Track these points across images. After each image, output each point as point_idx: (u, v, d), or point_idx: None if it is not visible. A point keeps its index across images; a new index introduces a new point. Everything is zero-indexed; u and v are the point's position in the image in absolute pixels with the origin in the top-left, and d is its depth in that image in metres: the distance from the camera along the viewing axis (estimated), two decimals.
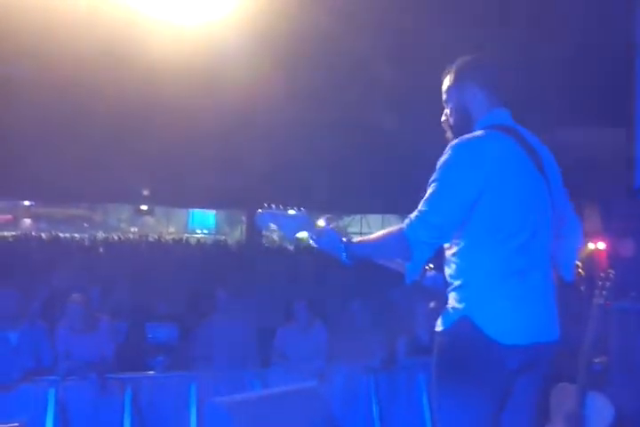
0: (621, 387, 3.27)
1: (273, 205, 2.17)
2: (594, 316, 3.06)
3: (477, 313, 1.88)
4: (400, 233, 1.89)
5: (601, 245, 6.76)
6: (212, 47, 5.69)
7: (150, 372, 4.16)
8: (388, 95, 6.68)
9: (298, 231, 2.15)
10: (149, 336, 4.54)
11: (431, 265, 2.11)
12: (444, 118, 2.12)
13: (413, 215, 1.89)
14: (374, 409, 4.25)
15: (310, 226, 2.11)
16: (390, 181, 11.12)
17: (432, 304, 2.06)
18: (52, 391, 3.79)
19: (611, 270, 3.15)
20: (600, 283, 3.06)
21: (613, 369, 3.29)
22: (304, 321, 4.55)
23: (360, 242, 2.02)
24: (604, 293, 3.04)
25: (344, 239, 2.01)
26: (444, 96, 2.13)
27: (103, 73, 6.41)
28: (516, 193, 1.91)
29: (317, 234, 2.07)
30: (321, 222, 2.08)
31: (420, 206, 1.90)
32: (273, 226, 2.18)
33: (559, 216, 2.05)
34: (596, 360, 3.13)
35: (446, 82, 2.12)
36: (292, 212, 2.16)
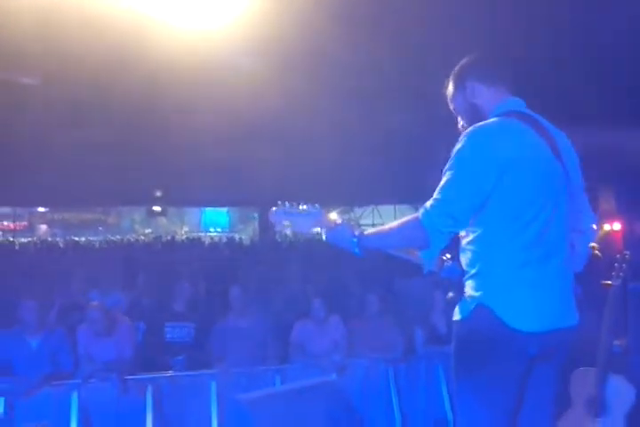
0: None
1: (286, 203, 2.19)
2: (611, 298, 3.02)
3: (495, 301, 1.87)
4: (416, 222, 1.89)
5: (616, 226, 6.69)
6: (223, 51, 5.71)
7: (170, 372, 4.18)
8: (398, 90, 6.65)
9: (312, 227, 2.18)
10: (167, 336, 4.57)
11: (448, 255, 2.09)
12: (460, 125, 2.11)
13: (429, 204, 1.88)
14: (394, 400, 4.25)
15: (323, 221, 2.13)
16: (401, 171, 11.08)
17: (450, 294, 2.04)
18: (74, 395, 3.83)
19: (627, 252, 3.11)
20: (616, 264, 3.02)
21: (632, 351, 3.25)
22: (321, 316, 4.56)
23: (374, 233, 2.03)
24: (620, 274, 3.00)
25: (356, 233, 2.02)
26: (452, 105, 2.14)
27: (112, 76, 6.43)
28: (533, 179, 1.88)
29: (330, 229, 2.09)
30: (333, 216, 2.11)
31: (435, 195, 1.89)
32: (286, 223, 2.20)
33: (576, 208, 2.02)
34: (616, 343, 3.10)
35: (449, 91, 2.13)
36: (304, 208, 2.17)
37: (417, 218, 1.89)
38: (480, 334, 1.89)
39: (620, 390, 2.98)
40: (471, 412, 1.95)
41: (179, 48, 5.47)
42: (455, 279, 2.02)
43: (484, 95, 2.04)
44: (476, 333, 1.90)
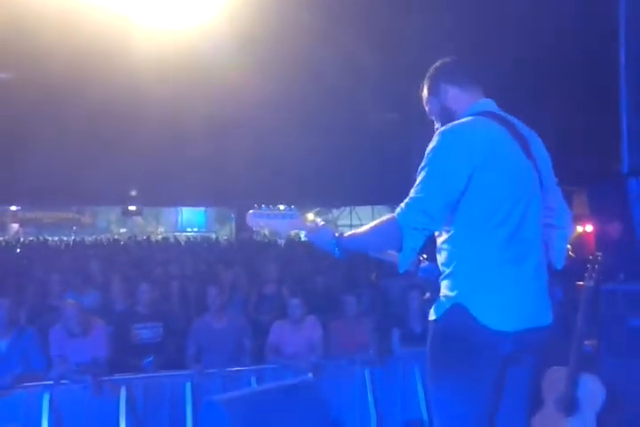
0: (611, 368, 3.30)
1: (263, 205, 2.21)
2: (584, 299, 3.07)
3: (470, 300, 1.89)
4: (391, 221, 1.91)
5: (589, 228, 6.82)
6: (199, 49, 5.69)
7: (143, 373, 4.13)
8: (375, 90, 6.69)
9: (289, 229, 2.21)
10: (137, 338, 4.51)
11: (425, 256, 2.11)
12: (435, 127, 2.13)
13: (404, 202, 1.90)
14: (370, 401, 4.26)
15: (301, 223, 2.17)
16: (379, 172, 11.13)
17: (427, 295, 2.05)
18: (46, 396, 3.76)
19: (599, 253, 3.17)
20: (589, 265, 3.07)
21: (603, 351, 3.32)
22: (298, 316, 4.54)
23: (352, 235, 2.04)
24: (593, 275, 3.06)
25: (336, 234, 2.05)
26: (427, 108, 2.17)
27: (88, 74, 6.37)
28: (504, 178, 1.90)
29: (310, 231, 2.11)
30: (311, 217, 2.12)
31: (410, 193, 1.91)
32: (264, 225, 2.22)
33: (549, 203, 2.06)
34: (587, 343, 3.15)
35: (424, 93, 2.16)
36: (282, 208, 2.20)
37: (392, 217, 1.91)
38: (455, 333, 1.91)
39: (590, 390, 3.03)
40: (446, 410, 1.97)
41: (156, 47, 5.44)
42: (432, 280, 2.03)
43: (457, 97, 2.08)
44: (452, 332, 1.92)
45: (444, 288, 1.95)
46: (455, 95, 2.08)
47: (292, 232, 2.27)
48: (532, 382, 2.10)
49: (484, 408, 1.94)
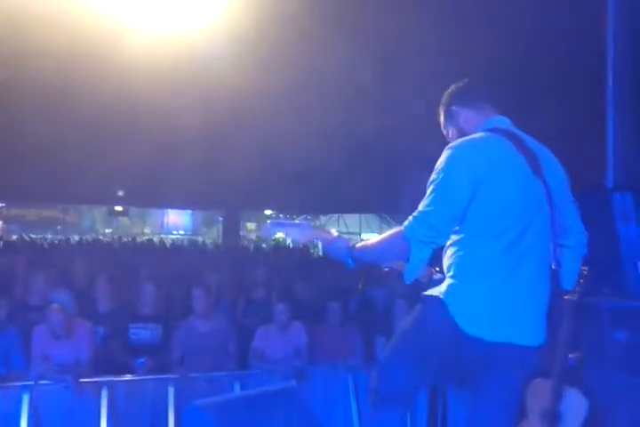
0: (594, 382, 3.33)
1: (281, 216, 2.37)
2: (568, 312, 3.10)
3: (452, 300, 1.96)
4: (399, 233, 1.97)
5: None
6: (190, 52, 5.70)
7: (127, 375, 4.10)
8: (366, 98, 6.73)
9: (305, 238, 2.39)
10: (132, 338, 4.49)
11: (437, 268, 2.20)
12: None
13: (412, 216, 1.97)
14: (353, 407, 4.26)
15: (315, 233, 2.32)
16: (366, 181, 11.17)
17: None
18: (25, 397, 3.71)
19: (584, 267, 3.20)
20: None
21: (587, 365, 3.35)
22: (283, 322, 4.54)
23: (363, 246, 2.12)
24: (577, 289, 3.09)
25: (350, 244, 2.13)
26: (445, 133, 2.25)
27: (78, 76, 6.35)
28: (505, 194, 1.95)
29: (325, 241, 2.21)
30: (333, 231, 2.27)
31: (419, 207, 1.98)
32: (280, 234, 2.41)
33: (561, 223, 2.08)
34: (571, 356, 3.18)
35: (441, 120, 2.24)
36: (297, 221, 2.41)
37: (400, 230, 1.98)
38: (431, 322, 2.03)
39: (573, 403, 3.06)
40: (390, 365, 2.15)
41: (147, 50, 5.44)
42: None
43: (470, 118, 2.16)
44: (428, 320, 2.04)
45: (444, 284, 2.03)
46: (468, 117, 2.16)
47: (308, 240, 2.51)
48: (509, 396, 2.10)
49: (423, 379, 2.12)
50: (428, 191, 1.97)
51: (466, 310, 1.94)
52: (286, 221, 2.42)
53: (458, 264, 2.00)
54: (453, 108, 2.17)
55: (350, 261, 2.11)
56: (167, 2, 5.14)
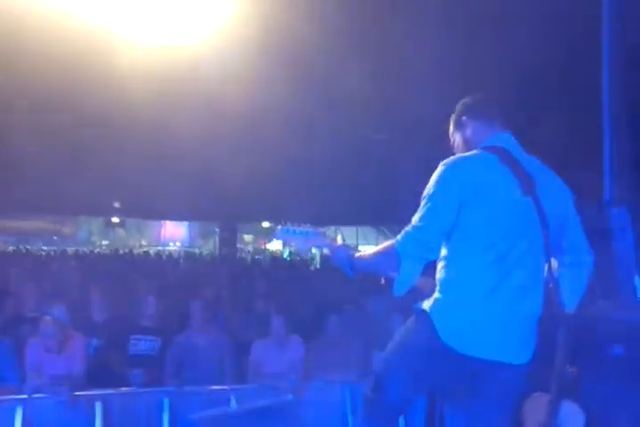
0: (591, 395, 3.32)
1: (289, 223, 2.39)
2: (564, 325, 3.10)
3: (437, 315, 2.00)
4: (392, 248, 2.01)
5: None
6: (187, 64, 5.73)
7: (122, 388, 4.06)
8: (364, 109, 6.76)
9: (311, 246, 2.42)
10: (131, 349, 4.47)
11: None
12: None
13: (404, 230, 2.01)
14: (350, 422, 4.23)
15: (322, 241, 2.35)
16: (364, 193, 11.19)
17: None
18: (19, 410, 3.67)
19: None
20: None
21: (583, 378, 3.34)
22: (280, 335, 4.52)
23: (360, 257, 2.17)
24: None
25: (351, 253, 2.19)
26: (451, 139, 2.30)
27: (74, 85, 6.37)
28: (490, 212, 1.97)
29: (333, 250, 2.26)
30: (339, 239, 2.30)
31: (412, 221, 2.02)
32: (290, 240, 2.43)
33: (562, 243, 2.10)
34: (568, 369, 3.17)
35: (450, 129, 2.30)
36: (305, 228, 2.39)
37: (393, 244, 2.02)
38: (417, 335, 2.08)
39: (570, 416, 3.04)
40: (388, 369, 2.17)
41: (143, 61, 5.46)
42: None
43: (478, 130, 2.19)
44: (415, 333, 2.08)
45: (434, 294, 2.06)
46: (476, 129, 2.19)
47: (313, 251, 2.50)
48: (495, 411, 2.11)
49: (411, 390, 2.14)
50: (421, 206, 2.02)
51: (449, 326, 1.98)
52: (296, 228, 2.39)
53: (444, 280, 2.04)
54: (464, 118, 2.22)
55: (349, 270, 2.16)
56: (164, 14, 5.17)
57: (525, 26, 4.55)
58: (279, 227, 2.42)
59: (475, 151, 2.10)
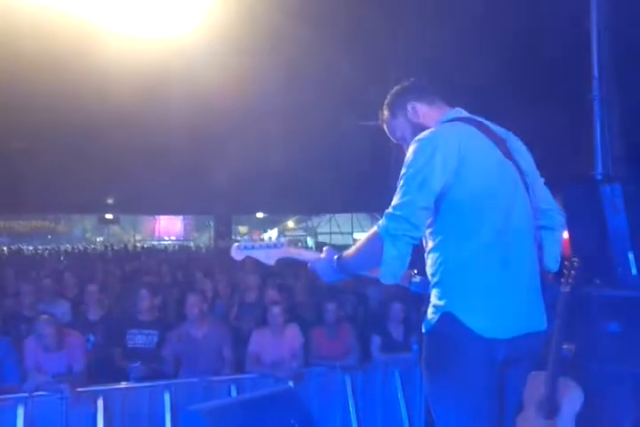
0: (588, 372, 3.34)
1: (246, 237, 2.23)
2: (561, 303, 3.12)
3: (459, 308, 1.86)
4: (373, 232, 1.88)
5: (565, 235, 6.95)
6: (181, 60, 5.70)
7: (123, 383, 4.06)
8: (355, 99, 6.74)
9: (276, 258, 2.19)
10: (129, 343, 4.48)
11: (415, 271, 2.08)
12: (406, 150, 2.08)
13: (385, 212, 1.88)
14: (351, 407, 4.26)
15: (288, 251, 2.16)
16: (357, 180, 11.18)
17: (423, 309, 1.98)
18: (20, 409, 3.68)
19: (575, 259, 3.22)
20: (565, 271, 3.12)
21: (580, 355, 3.36)
22: (278, 325, 4.52)
23: (347, 257, 2.00)
24: (569, 280, 3.10)
25: (335, 257, 2.01)
26: (389, 134, 2.18)
27: (66, 83, 6.32)
28: (483, 180, 1.89)
29: (307, 261, 2.09)
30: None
31: (392, 202, 1.89)
32: (250, 257, 2.21)
33: (537, 205, 2.04)
34: (565, 347, 3.19)
35: (387, 120, 2.17)
36: (268, 239, 2.21)
37: (374, 230, 1.89)
38: (448, 341, 1.88)
39: (568, 393, 3.07)
40: (448, 419, 1.93)
41: (137, 57, 5.41)
42: (424, 294, 1.99)
43: (427, 113, 2.09)
44: (444, 341, 1.89)
45: (434, 298, 1.92)
46: (424, 111, 2.09)
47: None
48: (523, 387, 2.07)
49: (484, 415, 1.90)
50: (399, 185, 1.88)
51: (476, 314, 1.85)
52: (253, 243, 2.18)
53: (444, 266, 1.91)
54: (411, 104, 2.09)
55: (337, 274, 2.00)
56: (151, 7, 5.12)
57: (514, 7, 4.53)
58: (235, 244, 2.21)
59: (439, 126, 1.99)
